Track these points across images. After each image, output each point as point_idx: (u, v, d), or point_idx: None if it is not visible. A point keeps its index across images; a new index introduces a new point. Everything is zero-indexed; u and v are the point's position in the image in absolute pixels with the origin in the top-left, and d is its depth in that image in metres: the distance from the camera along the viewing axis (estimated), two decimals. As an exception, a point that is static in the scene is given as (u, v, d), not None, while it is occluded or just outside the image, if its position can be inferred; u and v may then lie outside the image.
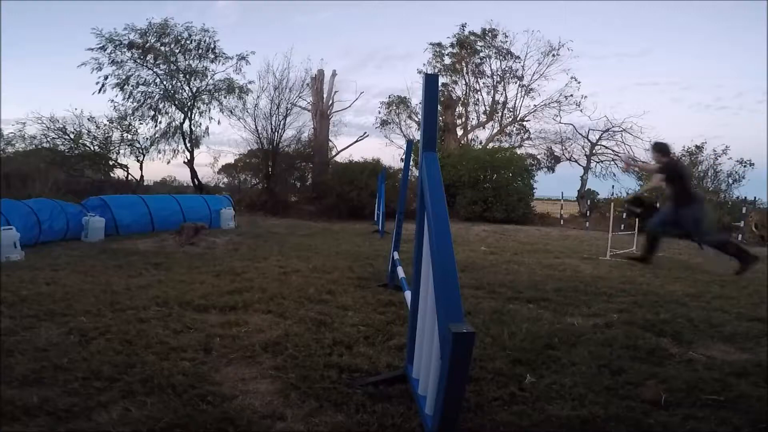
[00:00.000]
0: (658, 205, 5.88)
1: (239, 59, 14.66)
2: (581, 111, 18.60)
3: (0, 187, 10.04)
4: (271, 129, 14.21)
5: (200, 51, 14.23)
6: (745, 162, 13.59)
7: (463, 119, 18.87)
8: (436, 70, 18.18)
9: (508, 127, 18.71)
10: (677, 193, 5.08)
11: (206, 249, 6.31)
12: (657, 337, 3.16)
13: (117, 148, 14.19)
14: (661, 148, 5.46)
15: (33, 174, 11.39)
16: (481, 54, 18.14)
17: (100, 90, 13.78)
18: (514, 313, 3.60)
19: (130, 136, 14.25)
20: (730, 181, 13.69)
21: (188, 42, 14.05)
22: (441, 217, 1.73)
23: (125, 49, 13.60)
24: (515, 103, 18.43)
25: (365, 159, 15.00)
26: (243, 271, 4.89)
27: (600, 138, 18.03)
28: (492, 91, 18.40)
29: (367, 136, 17.97)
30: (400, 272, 3.96)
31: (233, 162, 17.00)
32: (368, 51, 36.43)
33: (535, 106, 18.25)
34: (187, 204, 9.21)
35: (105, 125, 13.93)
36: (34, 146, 13.37)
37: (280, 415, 1.98)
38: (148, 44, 13.65)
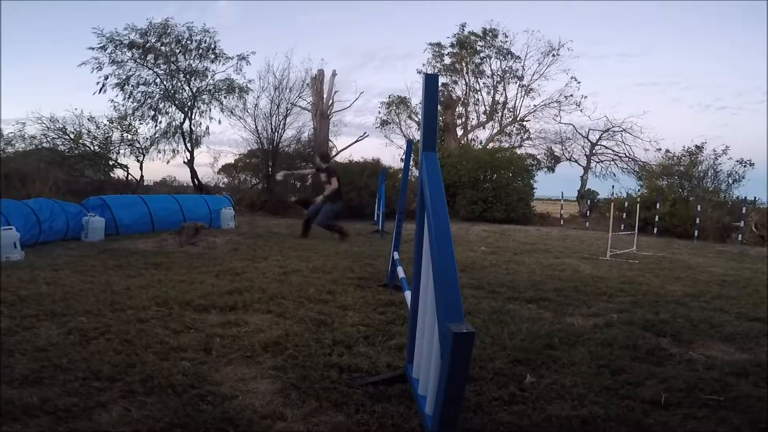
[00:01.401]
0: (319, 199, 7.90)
1: (239, 59, 14.67)
2: (581, 111, 18.70)
3: (0, 187, 10.05)
4: (271, 129, 14.22)
5: (201, 51, 14.24)
6: (745, 162, 13.62)
7: (463, 119, 18.89)
8: (436, 70, 18.21)
9: (508, 127, 18.74)
10: (337, 191, 7.77)
11: (206, 249, 6.31)
12: (657, 337, 3.16)
13: (117, 148, 14.19)
14: (323, 155, 8.36)
15: (33, 174, 11.39)
16: (481, 54, 18.16)
17: (100, 90, 13.79)
18: (514, 313, 3.60)
19: (130, 136, 14.24)
20: (730, 181, 13.71)
21: (189, 42, 14.06)
22: (441, 216, 1.73)
23: (126, 49, 13.61)
24: (515, 103, 18.48)
25: (365, 159, 15.01)
26: (243, 271, 4.89)
27: (600, 138, 18.09)
28: (492, 91, 18.45)
29: (367, 136, 18.00)
30: (400, 272, 3.96)
31: (233, 162, 17.03)
32: (368, 51, 36.51)
33: (535, 106, 18.32)
34: (187, 204, 9.20)
35: (105, 125, 13.94)
36: (34, 146, 13.36)
37: (280, 415, 1.98)
38: (148, 44, 13.66)
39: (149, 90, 14.18)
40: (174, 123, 14.68)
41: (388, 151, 25.95)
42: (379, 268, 5.29)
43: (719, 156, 13.80)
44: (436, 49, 18.50)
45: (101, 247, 6.18)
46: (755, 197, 13.20)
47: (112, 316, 3.18)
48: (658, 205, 11.71)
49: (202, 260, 5.51)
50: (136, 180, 14.38)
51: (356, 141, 17.52)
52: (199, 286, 4.15)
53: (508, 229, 11.49)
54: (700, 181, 13.92)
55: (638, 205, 10.37)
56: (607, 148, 18.09)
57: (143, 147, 14.39)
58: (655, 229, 11.44)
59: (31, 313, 3.17)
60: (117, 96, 13.97)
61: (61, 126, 13.32)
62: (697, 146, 14.45)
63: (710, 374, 2.53)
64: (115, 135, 14.11)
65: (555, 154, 18.73)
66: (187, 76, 14.22)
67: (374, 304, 3.74)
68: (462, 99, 18.65)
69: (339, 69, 17.42)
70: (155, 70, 14.04)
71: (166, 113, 14.56)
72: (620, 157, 17.83)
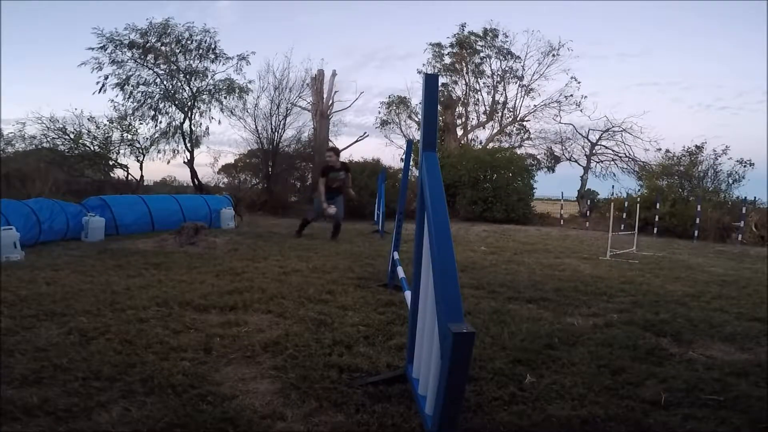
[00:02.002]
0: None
1: (239, 59, 14.68)
2: (581, 111, 18.72)
3: (0, 187, 10.05)
4: (271, 129, 14.23)
5: (201, 51, 14.24)
6: (745, 162, 13.62)
7: (463, 119, 18.90)
8: (436, 70, 18.23)
9: (508, 127, 18.75)
10: (345, 184, 7.44)
11: (206, 249, 6.31)
12: (657, 337, 3.16)
13: (117, 148, 14.20)
14: (337, 150, 7.75)
15: (33, 174, 11.39)
16: (481, 54, 18.17)
17: (100, 90, 13.80)
18: (514, 313, 3.60)
19: (130, 136, 14.25)
20: (730, 181, 13.70)
21: (189, 42, 14.06)
22: (441, 217, 1.73)
23: (126, 49, 13.61)
24: (515, 103, 18.50)
25: (365, 159, 15.03)
26: (243, 271, 4.89)
27: (600, 138, 18.09)
28: (492, 91, 18.45)
29: (367, 136, 18.01)
30: (400, 272, 3.96)
31: (233, 162, 17.03)
32: (368, 51, 36.56)
33: (535, 106, 18.34)
34: (187, 204, 9.20)
35: (105, 125, 13.95)
36: (34, 146, 13.37)
37: (280, 415, 1.98)
38: (148, 44, 13.66)
39: (149, 90, 14.20)
40: (174, 123, 14.70)
41: (388, 151, 25.97)
42: (379, 268, 5.29)
43: (719, 156, 13.82)
44: (436, 49, 18.52)
45: (101, 247, 6.18)
46: (755, 197, 13.22)
47: (112, 316, 3.18)
48: (658, 205, 11.71)
49: (202, 260, 5.51)
50: (136, 180, 14.39)
51: (356, 141, 17.54)
52: (199, 286, 4.15)
53: (508, 229, 11.49)
54: (700, 181, 13.91)
55: (638, 205, 10.37)
56: (607, 148, 18.11)
57: (143, 147, 14.40)
58: (655, 229, 11.44)
59: (31, 313, 3.17)
60: (117, 96, 13.99)
61: (61, 126, 13.33)
62: (697, 146, 14.46)
63: (710, 374, 2.53)
64: (115, 135, 14.13)
65: (555, 154, 18.75)
66: (187, 76, 14.22)
67: (374, 304, 3.74)
68: (462, 99, 18.65)
69: (339, 69, 17.45)
70: (155, 70, 14.04)
71: (166, 113, 14.57)
72: (620, 157, 17.85)
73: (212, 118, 15.04)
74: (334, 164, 7.42)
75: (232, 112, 14.72)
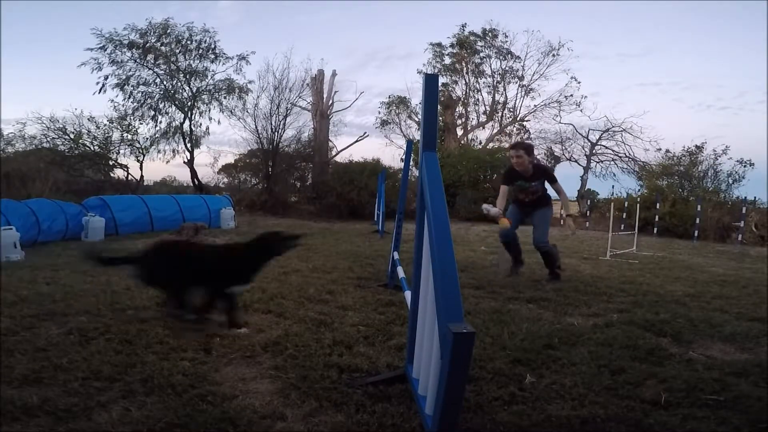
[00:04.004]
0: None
1: (239, 59, 14.70)
2: (581, 111, 18.73)
3: (0, 187, 10.05)
4: (271, 129, 14.25)
5: (200, 51, 14.25)
6: (745, 162, 13.65)
7: (463, 119, 18.91)
8: (436, 70, 18.25)
9: (508, 127, 18.76)
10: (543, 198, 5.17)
11: (206, 249, 6.30)
12: (657, 337, 3.16)
13: (117, 148, 14.24)
14: (530, 148, 5.07)
15: (33, 174, 11.40)
16: (481, 54, 18.19)
17: (100, 90, 13.83)
18: (514, 313, 3.59)
19: (130, 136, 14.28)
20: (730, 181, 13.73)
21: (189, 42, 14.07)
22: (441, 217, 1.73)
23: (125, 49, 13.62)
24: (515, 103, 18.52)
25: (365, 159, 15.04)
26: (243, 271, 4.88)
27: (600, 138, 18.10)
28: (492, 91, 18.46)
29: (367, 136, 18.01)
30: (400, 272, 3.96)
31: (233, 162, 17.04)
32: (369, 51, 36.51)
33: (535, 106, 18.37)
34: (187, 204, 9.21)
35: (105, 125, 13.97)
36: (34, 146, 13.40)
37: (280, 415, 1.97)
38: (148, 44, 13.67)
39: (149, 90, 14.22)
40: (174, 123, 14.71)
41: (388, 151, 25.96)
42: (379, 268, 5.28)
43: (719, 156, 13.86)
44: (437, 49, 18.54)
45: (101, 248, 6.18)
46: (755, 197, 13.25)
47: (112, 316, 3.17)
48: (658, 205, 11.72)
49: (202, 260, 5.49)
50: (136, 180, 14.40)
51: (356, 141, 17.55)
52: (199, 286, 4.14)
53: (508, 229, 11.47)
54: (700, 181, 13.93)
55: (638, 205, 10.38)
56: (607, 148, 18.15)
57: (143, 147, 14.42)
58: (655, 229, 11.44)
59: (31, 313, 3.17)
60: (117, 96, 14.02)
61: (61, 126, 13.35)
62: (697, 146, 14.50)
63: (710, 374, 2.53)
64: (115, 135, 14.17)
65: (555, 154, 18.78)
66: (187, 76, 14.23)
67: (374, 304, 3.74)
68: (462, 99, 18.67)
69: (339, 69, 17.44)
70: (155, 70, 14.06)
71: (166, 113, 14.59)
72: (620, 157, 17.88)
73: (212, 118, 15.08)
74: (524, 169, 4.83)
75: (232, 112, 14.75)
